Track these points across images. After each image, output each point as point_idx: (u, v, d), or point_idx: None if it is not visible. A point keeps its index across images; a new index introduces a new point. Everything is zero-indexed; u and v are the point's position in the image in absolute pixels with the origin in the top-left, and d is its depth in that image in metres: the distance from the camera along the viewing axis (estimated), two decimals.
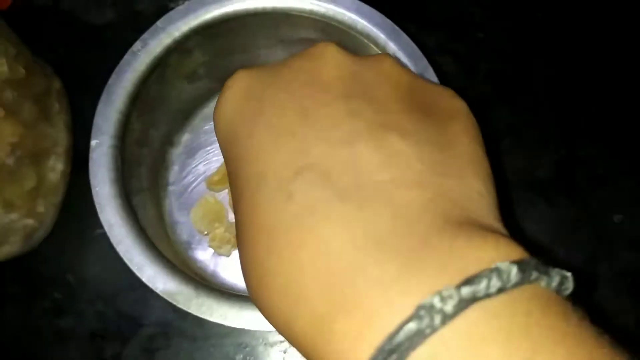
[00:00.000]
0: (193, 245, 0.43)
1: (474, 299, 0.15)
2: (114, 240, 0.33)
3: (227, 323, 0.32)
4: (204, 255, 0.43)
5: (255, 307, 0.32)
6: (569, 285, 0.17)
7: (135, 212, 0.35)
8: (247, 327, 0.32)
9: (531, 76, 0.49)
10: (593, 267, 0.44)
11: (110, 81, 0.36)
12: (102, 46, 0.48)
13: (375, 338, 0.16)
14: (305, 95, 0.22)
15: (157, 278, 0.33)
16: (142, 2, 0.49)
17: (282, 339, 0.41)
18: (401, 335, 0.15)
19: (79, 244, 0.43)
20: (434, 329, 0.15)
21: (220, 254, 0.42)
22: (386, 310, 0.16)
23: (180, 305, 0.33)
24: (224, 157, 0.24)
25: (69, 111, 0.40)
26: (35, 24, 0.47)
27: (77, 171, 0.42)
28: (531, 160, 0.47)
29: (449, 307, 0.15)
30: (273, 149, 0.20)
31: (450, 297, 0.15)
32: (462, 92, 0.44)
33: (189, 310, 0.32)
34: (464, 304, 0.15)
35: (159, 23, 0.38)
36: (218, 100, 0.25)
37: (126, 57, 0.37)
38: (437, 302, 0.15)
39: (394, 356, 0.15)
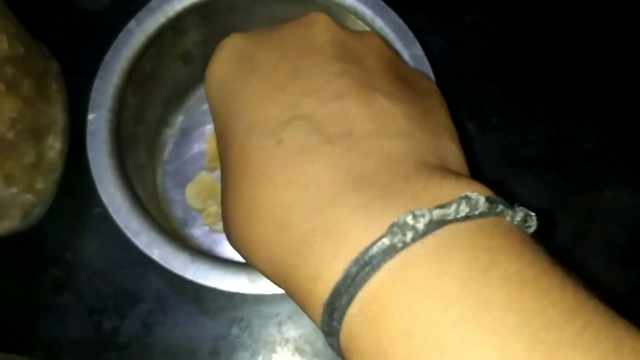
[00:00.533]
0: (188, 223, 0.44)
1: (443, 221, 0.16)
2: (111, 208, 0.34)
3: (222, 287, 0.33)
4: (199, 232, 0.43)
5: (248, 271, 0.33)
6: (532, 224, 0.19)
7: (131, 182, 0.36)
8: (240, 291, 0.33)
9: (519, 56, 0.50)
10: (583, 240, 0.45)
11: (106, 57, 0.37)
12: (98, 31, 0.48)
13: (350, 253, 0.17)
14: (297, 57, 0.23)
15: (153, 245, 0.34)
16: None
17: (278, 311, 0.42)
18: (374, 249, 0.16)
19: (77, 222, 0.43)
20: (405, 244, 0.16)
21: (214, 231, 0.43)
22: (362, 230, 0.17)
23: (176, 271, 0.33)
24: (213, 115, 0.25)
25: (66, 92, 0.41)
26: (31, 10, 0.48)
27: (73, 152, 0.43)
28: (520, 137, 0.48)
29: (420, 225, 0.16)
30: (264, 103, 0.22)
31: (422, 216, 0.16)
32: (451, 71, 0.45)
33: (185, 276, 0.33)
34: (434, 225, 0.16)
35: (153, 2, 0.39)
36: (211, 60, 0.26)
37: (121, 35, 0.38)
38: (409, 219, 0.16)
39: (367, 269, 0.16)
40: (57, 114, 0.40)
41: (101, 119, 0.36)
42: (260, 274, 0.33)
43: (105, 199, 0.34)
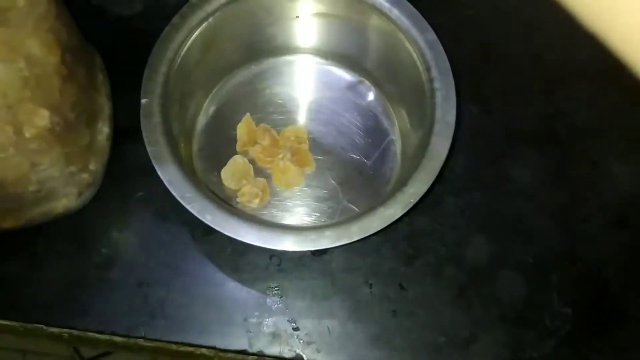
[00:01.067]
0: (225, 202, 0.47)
1: None
2: (165, 179, 0.38)
3: (269, 246, 0.37)
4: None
5: (293, 232, 0.37)
6: None
7: (180, 157, 0.40)
8: (286, 249, 0.37)
9: (514, 46, 0.56)
10: (582, 205, 0.50)
11: (154, 49, 0.42)
12: (132, 33, 0.53)
13: None
14: None
15: (206, 210, 0.38)
16: None
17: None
18: None
19: (122, 204, 0.47)
20: None
21: (250, 209, 0.47)
22: None
23: (228, 233, 0.37)
24: None
25: (109, 84, 0.45)
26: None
27: (116, 141, 0.47)
28: (519, 117, 0.53)
29: None
30: None
31: None
32: (451, 61, 0.49)
33: (237, 237, 0.37)
34: None
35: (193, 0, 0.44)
36: None
37: (167, 29, 0.43)
38: None
39: None
40: (104, 102, 0.44)
41: (154, 103, 0.40)
42: (303, 234, 0.38)
43: (160, 171, 0.38)
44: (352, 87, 0.52)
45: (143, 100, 0.40)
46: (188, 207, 0.38)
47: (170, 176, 0.38)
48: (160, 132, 0.39)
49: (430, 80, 0.42)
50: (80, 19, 0.52)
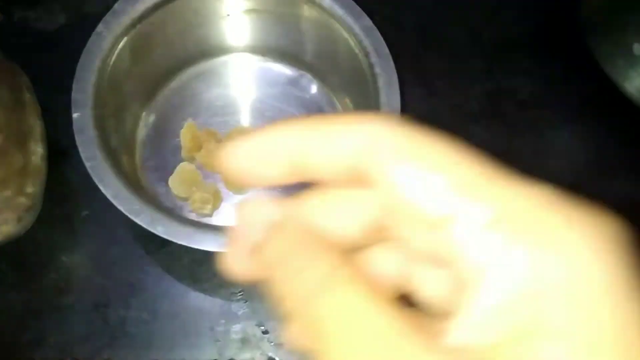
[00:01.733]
0: (176, 212, 0.46)
1: None
2: (109, 194, 0.36)
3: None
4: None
5: None
6: None
7: (123, 170, 0.38)
8: None
9: (451, 26, 0.56)
10: (531, 175, 0.50)
11: (81, 60, 0.40)
12: (57, 48, 0.51)
13: None
14: None
15: (156, 221, 0.36)
16: (89, 3, 0.52)
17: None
18: None
19: (67, 226, 0.45)
20: None
21: (202, 215, 0.46)
22: None
23: (182, 242, 0.36)
24: None
25: (37, 102, 0.43)
26: None
27: (53, 161, 0.45)
28: (463, 95, 0.53)
29: None
30: None
31: None
32: (391, 47, 0.49)
33: (191, 245, 0.36)
34: None
35: (116, 6, 0.42)
36: None
37: (92, 38, 0.41)
38: None
39: None
40: (34, 122, 0.42)
41: (86, 116, 0.38)
42: None
43: (102, 187, 0.37)
44: (293, 81, 0.51)
45: (75, 115, 0.38)
46: (137, 220, 0.36)
47: (113, 190, 0.36)
48: (97, 145, 0.37)
49: (371, 66, 0.42)
50: (2, 38, 0.50)
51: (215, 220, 0.46)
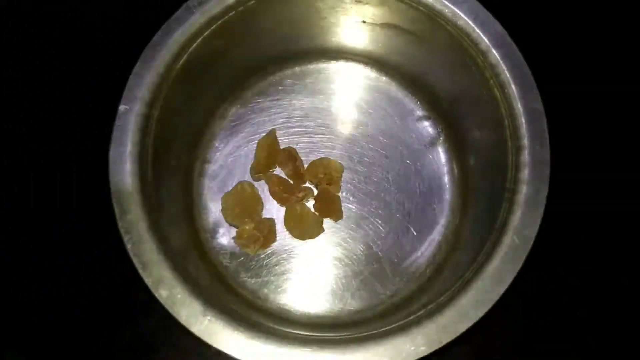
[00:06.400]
0: (218, 235, 0.38)
1: None
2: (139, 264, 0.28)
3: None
4: (227, 246, 0.37)
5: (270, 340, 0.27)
6: None
7: (160, 204, 0.30)
8: None
9: None
10: None
11: (154, 39, 0.31)
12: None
13: None
14: None
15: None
16: None
17: None
18: None
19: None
20: None
21: (243, 251, 0.37)
22: None
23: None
24: None
25: None
26: None
27: None
28: None
29: None
30: None
31: None
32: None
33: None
34: None
35: None
36: None
37: (178, 12, 0.32)
38: None
39: None
40: None
41: (133, 113, 0.30)
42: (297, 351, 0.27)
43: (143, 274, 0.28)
44: (418, 123, 0.39)
45: (121, 107, 0.30)
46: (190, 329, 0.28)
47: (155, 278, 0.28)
48: (130, 161, 0.29)
49: (517, 167, 0.30)
50: None
51: (255, 261, 0.37)
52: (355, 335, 0.28)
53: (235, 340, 0.27)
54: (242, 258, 0.37)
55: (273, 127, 0.39)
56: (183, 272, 0.28)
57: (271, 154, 0.38)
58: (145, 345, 0.37)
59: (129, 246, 0.28)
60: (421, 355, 0.27)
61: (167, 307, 0.27)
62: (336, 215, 0.38)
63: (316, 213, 0.38)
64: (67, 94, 0.40)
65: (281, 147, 0.39)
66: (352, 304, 0.36)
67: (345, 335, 0.29)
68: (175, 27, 0.31)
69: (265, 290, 0.36)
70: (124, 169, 0.29)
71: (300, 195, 0.38)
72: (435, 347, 0.27)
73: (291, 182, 0.38)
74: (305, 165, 0.38)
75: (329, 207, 0.38)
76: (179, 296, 0.28)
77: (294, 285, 0.37)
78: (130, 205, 0.29)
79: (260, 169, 0.38)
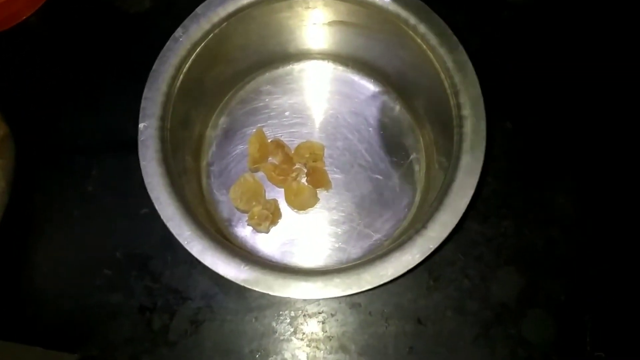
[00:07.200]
0: (233, 222, 0.45)
1: None
2: (164, 216, 0.35)
3: (273, 293, 0.34)
4: (243, 231, 0.44)
5: (298, 276, 0.34)
6: None
7: (182, 190, 0.37)
8: (291, 296, 0.34)
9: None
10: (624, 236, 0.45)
11: (154, 66, 0.38)
12: (142, 34, 0.50)
13: None
14: None
15: (205, 252, 0.35)
16: None
17: (321, 309, 0.43)
18: None
19: (127, 222, 0.45)
20: None
21: (259, 231, 0.44)
22: None
23: (228, 277, 0.34)
24: None
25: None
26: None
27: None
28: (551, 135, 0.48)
29: None
30: None
31: None
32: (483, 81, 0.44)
33: (237, 282, 0.34)
34: None
35: (198, 10, 0.40)
36: None
37: (169, 43, 0.39)
38: None
39: None
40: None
41: (151, 128, 0.37)
42: (309, 281, 0.34)
43: (158, 207, 0.35)
44: (375, 98, 0.47)
45: (141, 125, 0.37)
46: (187, 247, 0.35)
47: (168, 213, 0.35)
48: (157, 160, 0.36)
49: (458, 106, 0.38)
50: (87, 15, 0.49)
51: (270, 238, 0.44)
52: (360, 261, 0.36)
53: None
54: (258, 236, 0.44)
55: (259, 125, 0.46)
56: (220, 242, 0.36)
57: (262, 147, 0.46)
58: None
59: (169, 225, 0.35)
60: (418, 262, 0.35)
61: (214, 268, 0.34)
62: (326, 185, 0.45)
63: (310, 186, 0.45)
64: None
65: (269, 140, 0.46)
66: (354, 253, 0.44)
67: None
68: (169, 55, 0.39)
69: (279, 256, 0.43)
70: (155, 172, 0.36)
71: (293, 175, 0.45)
72: (427, 253, 0.35)
73: (284, 166, 0.46)
74: (292, 151, 0.46)
75: (319, 179, 0.45)
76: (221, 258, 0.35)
77: (302, 249, 0.44)
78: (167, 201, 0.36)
79: (255, 161, 0.45)
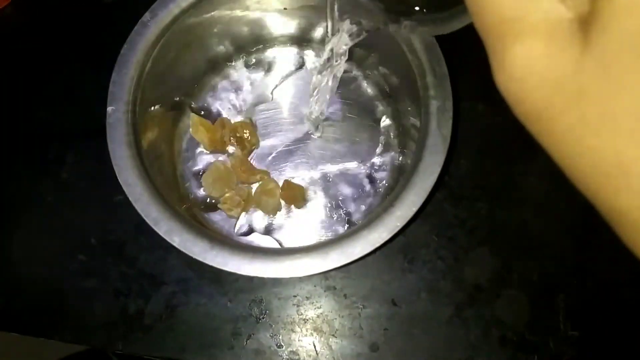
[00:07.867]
0: (208, 208, 0.45)
1: None
2: (131, 197, 0.35)
3: (241, 272, 0.34)
4: (218, 217, 0.45)
5: (266, 256, 0.35)
6: None
7: (152, 172, 0.37)
8: (259, 275, 0.34)
9: None
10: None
11: (122, 51, 0.39)
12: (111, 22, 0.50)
13: None
14: None
15: (173, 232, 0.35)
16: None
17: (296, 293, 0.43)
18: None
19: (98, 207, 0.45)
20: None
21: (230, 217, 0.44)
22: None
23: (197, 257, 0.35)
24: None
25: None
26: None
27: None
28: None
29: None
30: None
31: None
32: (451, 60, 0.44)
33: (205, 261, 0.35)
34: None
35: None
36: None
37: (137, 28, 0.39)
38: None
39: None
40: None
41: (119, 112, 0.37)
42: (277, 260, 0.35)
43: (126, 188, 0.36)
44: (343, 79, 0.48)
45: (109, 109, 0.37)
46: (155, 228, 0.35)
47: (135, 194, 0.35)
48: (125, 143, 0.36)
49: (425, 87, 0.38)
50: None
51: (240, 224, 0.44)
52: (328, 239, 0.36)
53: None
54: (231, 222, 0.45)
55: (191, 114, 0.46)
56: (189, 223, 0.36)
57: (208, 130, 0.45)
58: None
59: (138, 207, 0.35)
60: (385, 240, 0.35)
61: (182, 249, 0.34)
62: (300, 203, 0.45)
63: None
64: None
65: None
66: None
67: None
68: (137, 40, 0.39)
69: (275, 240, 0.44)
70: (123, 155, 0.36)
71: (257, 176, 0.45)
72: (394, 231, 0.35)
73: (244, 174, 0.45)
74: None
75: (294, 197, 0.45)
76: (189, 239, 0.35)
77: (282, 237, 0.44)
78: (135, 180, 0.36)
79: (212, 144, 0.45)
